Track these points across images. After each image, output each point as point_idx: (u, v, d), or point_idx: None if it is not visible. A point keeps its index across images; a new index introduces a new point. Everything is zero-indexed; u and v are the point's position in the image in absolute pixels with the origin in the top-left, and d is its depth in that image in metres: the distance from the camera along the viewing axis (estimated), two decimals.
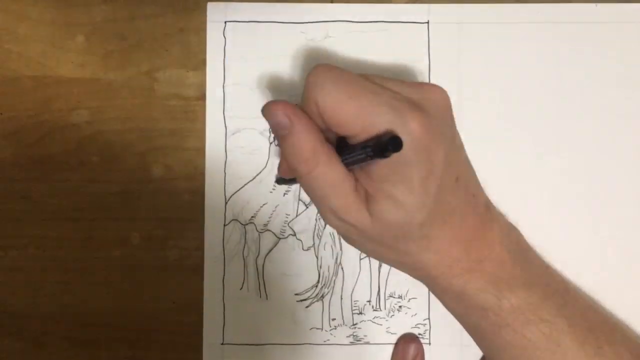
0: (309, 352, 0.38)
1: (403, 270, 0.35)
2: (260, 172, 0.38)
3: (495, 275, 0.32)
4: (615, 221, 0.38)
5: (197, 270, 0.38)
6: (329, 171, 0.30)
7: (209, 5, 0.38)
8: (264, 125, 0.38)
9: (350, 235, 0.32)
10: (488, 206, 0.34)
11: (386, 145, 0.27)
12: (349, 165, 0.30)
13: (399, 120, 0.28)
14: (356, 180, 0.31)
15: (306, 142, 0.30)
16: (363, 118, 0.29)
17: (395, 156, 0.28)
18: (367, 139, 0.29)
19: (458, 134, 0.33)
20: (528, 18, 0.38)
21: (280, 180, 0.37)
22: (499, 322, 0.32)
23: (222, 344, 0.37)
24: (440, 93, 0.31)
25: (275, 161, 0.38)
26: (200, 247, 0.38)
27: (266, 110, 0.31)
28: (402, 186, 0.29)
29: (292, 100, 0.38)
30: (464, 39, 0.38)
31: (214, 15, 0.38)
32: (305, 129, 0.30)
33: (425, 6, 0.38)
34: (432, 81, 0.38)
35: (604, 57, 0.38)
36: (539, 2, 0.38)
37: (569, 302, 0.33)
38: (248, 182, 0.38)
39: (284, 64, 0.38)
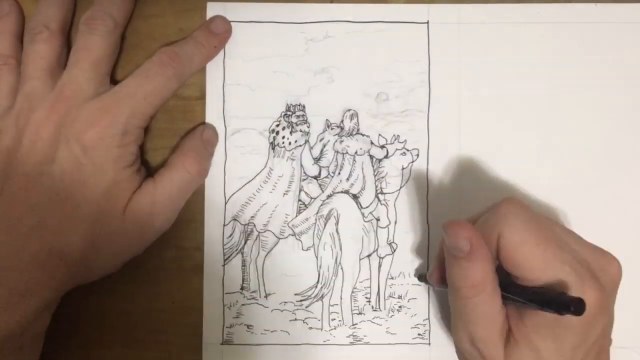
0: (308, 352, 0.38)
1: None
2: (260, 172, 0.38)
3: None
4: (616, 221, 0.38)
5: (197, 270, 0.38)
6: (489, 302, 0.30)
7: (209, 5, 0.38)
8: (264, 125, 0.38)
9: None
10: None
11: (568, 304, 0.27)
12: (507, 300, 0.30)
13: (577, 286, 0.28)
14: (506, 316, 0.31)
15: (480, 271, 0.30)
16: (544, 270, 0.29)
17: (559, 316, 0.28)
18: (541, 286, 0.29)
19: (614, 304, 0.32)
20: (528, 18, 0.38)
21: (423, 279, 0.37)
22: None
23: (222, 344, 0.37)
24: (617, 267, 0.31)
25: (274, 161, 0.38)
26: (200, 247, 0.38)
27: (449, 229, 0.30)
28: (552, 345, 0.29)
29: (291, 100, 0.38)
30: (464, 39, 0.38)
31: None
32: (482, 258, 0.30)
33: (424, 6, 0.38)
34: (432, 81, 0.38)
35: (604, 57, 0.38)
36: (539, 2, 0.38)
37: None
38: (248, 182, 0.38)
39: (284, 64, 0.38)
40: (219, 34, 0.37)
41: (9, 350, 0.32)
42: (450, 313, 0.34)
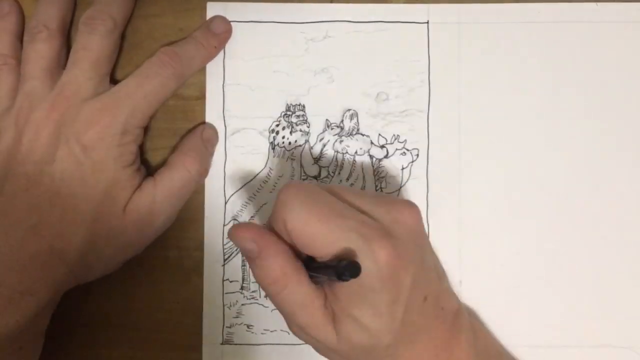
0: (308, 352, 0.37)
1: None
2: (259, 172, 0.38)
3: None
4: (616, 220, 0.38)
5: (197, 270, 0.38)
6: (298, 292, 0.31)
7: (209, 5, 0.38)
8: (264, 125, 0.38)
9: (319, 349, 0.33)
10: (457, 313, 0.34)
11: (343, 270, 0.27)
12: (317, 283, 0.31)
13: (366, 248, 0.29)
14: (325, 297, 0.31)
15: (274, 265, 0.30)
16: (330, 242, 0.29)
17: (361, 282, 0.28)
18: (330, 261, 0.29)
19: (429, 249, 0.33)
20: (528, 18, 0.38)
21: None
22: None
23: (222, 343, 0.37)
24: (409, 213, 0.31)
25: (274, 161, 0.38)
26: (200, 247, 0.38)
27: (233, 235, 0.31)
28: (368, 311, 0.30)
29: (291, 100, 0.38)
30: (464, 39, 0.38)
31: (214, 15, 0.38)
32: (273, 253, 0.30)
33: (424, 6, 0.38)
34: (432, 81, 0.38)
35: (604, 57, 0.38)
36: (539, 2, 0.38)
37: None
38: (248, 182, 0.38)
39: (284, 64, 0.38)
40: (219, 34, 0.37)
41: (8, 349, 0.32)
42: None
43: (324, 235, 0.29)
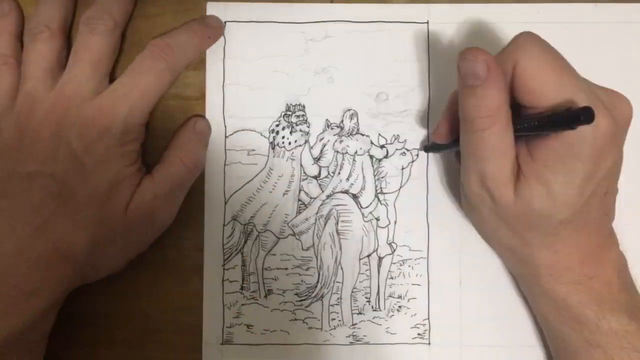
0: (308, 352, 0.38)
1: (509, 259, 0.35)
2: (260, 172, 0.38)
3: (601, 294, 0.32)
4: (616, 219, 0.38)
5: (197, 270, 0.38)
6: (502, 135, 0.30)
7: (209, 5, 0.38)
8: (264, 125, 0.38)
9: (482, 207, 0.32)
10: (612, 230, 0.34)
11: (578, 114, 0.26)
12: (518, 134, 0.30)
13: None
14: (518, 154, 0.30)
15: (496, 99, 0.29)
16: (559, 94, 0.29)
17: (570, 144, 0.28)
18: (553, 109, 0.28)
19: (623, 151, 0.32)
20: (528, 18, 0.38)
21: (429, 148, 0.37)
22: (592, 341, 0.32)
23: (222, 344, 0.37)
24: (627, 105, 0.31)
25: (274, 161, 0.38)
26: (199, 247, 0.38)
27: (466, 54, 0.30)
28: (562, 178, 0.29)
29: (291, 100, 0.38)
30: (464, 39, 0.38)
31: (214, 15, 0.38)
32: (499, 86, 0.29)
33: (424, 6, 0.38)
34: (432, 81, 0.38)
35: (604, 57, 0.38)
36: (539, 2, 0.38)
37: None
38: (248, 182, 0.38)
39: (284, 64, 0.38)
40: (213, 27, 0.37)
41: (14, 350, 0.32)
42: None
43: (553, 86, 0.29)
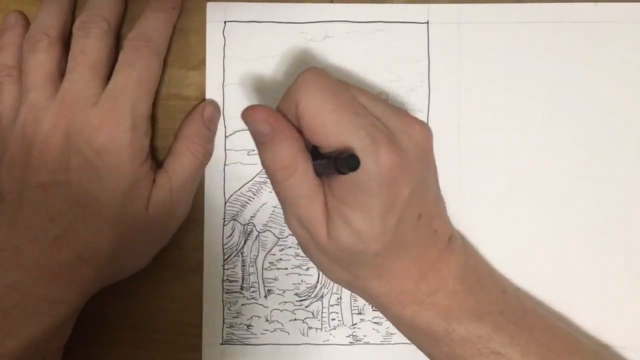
0: (308, 352, 0.38)
1: (356, 293, 0.35)
2: (260, 172, 0.38)
3: (446, 307, 0.32)
4: (616, 219, 0.38)
5: (197, 270, 0.38)
6: (304, 182, 0.30)
7: (209, 5, 0.38)
8: None
9: (308, 246, 0.33)
10: (451, 238, 0.34)
11: (343, 161, 0.27)
12: (318, 173, 0.31)
13: (371, 149, 0.28)
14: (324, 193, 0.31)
15: (286, 151, 0.30)
16: (338, 135, 0.29)
17: (358, 182, 0.28)
18: (333, 152, 0.29)
19: (434, 171, 0.33)
20: (528, 18, 0.38)
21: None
22: (450, 353, 0.32)
23: (222, 344, 0.37)
24: (421, 130, 0.31)
25: None
26: (199, 247, 0.38)
27: (247, 116, 0.31)
28: (360, 214, 0.29)
29: None
30: (464, 39, 0.38)
31: (214, 15, 0.38)
32: (287, 138, 0.30)
33: (424, 6, 0.38)
34: (432, 81, 0.38)
35: (604, 57, 0.38)
36: (539, 2, 0.38)
37: (523, 330, 0.33)
38: (247, 182, 0.38)
39: (284, 64, 0.38)
40: None
41: None
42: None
43: (333, 126, 0.29)
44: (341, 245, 0.30)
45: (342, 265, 0.32)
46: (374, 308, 0.37)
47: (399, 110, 0.32)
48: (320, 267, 0.34)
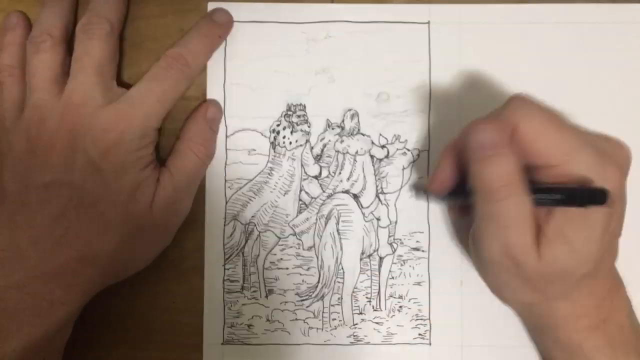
0: (309, 352, 0.37)
1: (525, 315, 0.35)
2: (260, 172, 0.38)
3: (614, 338, 0.32)
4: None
5: (197, 270, 0.38)
6: (522, 203, 0.29)
7: (209, 5, 0.38)
8: (265, 125, 0.38)
9: (503, 272, 0.31)
10: (616, 271, 0.34)
11: (591, 195, 0.27)
12: (538, 205, 0.30)
13: (600, 166, 0.28)
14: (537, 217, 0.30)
15: (510, 166, 0.29)
16: (567, 151, 0.29)
17: None
18: (564, 181, 0.29)
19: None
20: (528, 18, 0.38)
21: (421, 190, 0.37)
22: None
23: (222, 344, 0.37)
24: (627, 151, 0.31)
25: (275, 161, 0.38)
26: (200, 247, 0.38)
27: (479, 126, 0.30)
28: (584, 234, 0.29)
29: (292, 100, 0.38)
30: (464, 39, 0.38)
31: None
32: (512, 152, 0.29)
33: (425, 6, 0.38)
34: (433, 81, 0.38)
35: (604, 57, 0.38)
36: (539, 2, 0.38)
37: None
38: (248, 182, 0.38)
39: (284, 64, 0.38)
40: (222, 24, 0.37)
41: None
42: (456, 232, 0.35)
43: (559, 143, 0.29)
44: (555, 267, 0.30)
45: (538, 288, 0.31)
46: (375, 308, 0.37)
47: (602, 134, 0.32)
48: (502, 291, 0.33)
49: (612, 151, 0.30)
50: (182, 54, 0.35)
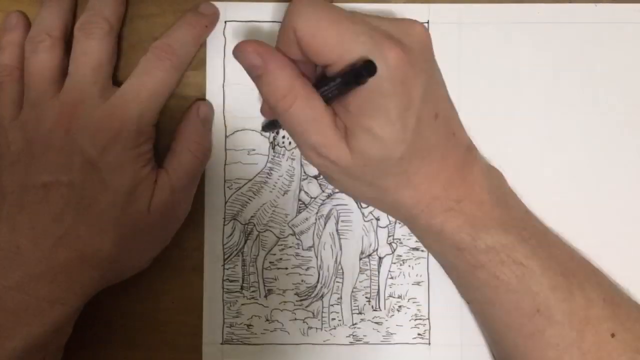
0: (309, 352, 0.38)
1: (385, 211, 0.36)
2: (260, 172, 0.38)
3: (473, 215, 0.33)
4: (616, 219, 0.38)
5: (197, 270, 0.38)
6: (308, 106, 0.30)
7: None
8: None
9: (332, 173, 0.32)
10: (470, 147, 0.34)
11: (360, 70, 0.27)
12: (327, 99, 0.30)
13: (376, 49, 0.28)
14: (335, 115, 0.31)
15: (282, 79, 0.30)
16: (341, 45, 0.29)
17: (372, 88, 0.28)
18: (343, 69, 0.29)
19: (439, 71, 0.33)
20: (528, 18, 0.38)
21: (265, 127, 0.37)
22: (473, 262, 0.33)
23: (222, 343, 0.37)
24: (419, 29, 0.31)
25: (275, 161, 0.38)
26: (200, 247, 0.38)
27: (237, 52, 0.30)
28: (379, 119, 0.29)
29: None
30: (464, 39, 0.38)
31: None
32: (279, 66, 0.30)
33: (425, 6, 0.38)
34: None
35: (604, 57, 0.38)
36: (539, 2, 0.38)
37: (544, 246, 0.34)
38: (247, 182, 0.38)
39: None
40: (208, 15, 0.37)
41: None
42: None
43: (334, 39, 0.29)
44: (366, 157, 0.30)
45: (369, 182, 0.32)
46: (374, 308, 0.37)
47: (394, 18, 0.32)
48: (347, 191, 0.35)
49: (400, 32, 0.30)
50: (170, 44, 0.35)
